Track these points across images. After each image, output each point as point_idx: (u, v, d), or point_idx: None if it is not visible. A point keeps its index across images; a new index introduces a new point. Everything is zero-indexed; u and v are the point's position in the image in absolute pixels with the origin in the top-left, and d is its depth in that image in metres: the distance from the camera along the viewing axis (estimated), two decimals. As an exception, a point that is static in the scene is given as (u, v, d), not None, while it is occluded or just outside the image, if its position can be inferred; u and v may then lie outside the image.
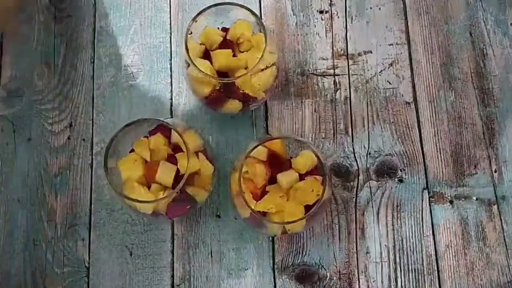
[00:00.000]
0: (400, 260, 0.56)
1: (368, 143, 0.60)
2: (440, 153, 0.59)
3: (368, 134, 0.60)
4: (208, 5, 0.53)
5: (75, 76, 0.64)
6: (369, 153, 0.59)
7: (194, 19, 0.53)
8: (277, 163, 0.52)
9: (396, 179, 0.59)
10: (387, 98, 0.61)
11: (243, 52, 0.55)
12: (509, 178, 0.58)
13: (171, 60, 0.64)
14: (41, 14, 0.67)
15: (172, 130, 0.50)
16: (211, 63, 0.54)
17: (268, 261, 0.56)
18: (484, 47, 0.62)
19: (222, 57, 0.54)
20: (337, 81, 0.62)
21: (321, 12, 0.65)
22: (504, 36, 0.63)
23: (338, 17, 0.64)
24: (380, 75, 0.62)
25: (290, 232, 0.51)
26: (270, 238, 0.57)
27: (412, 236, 0.57)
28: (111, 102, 0.63)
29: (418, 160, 0.59)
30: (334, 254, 0.56)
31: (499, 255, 0.56)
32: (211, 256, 0.57)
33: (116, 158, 0.51)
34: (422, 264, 0.56)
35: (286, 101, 0.62)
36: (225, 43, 0.56)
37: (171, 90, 0.63)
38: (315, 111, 0.61)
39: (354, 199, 0.58)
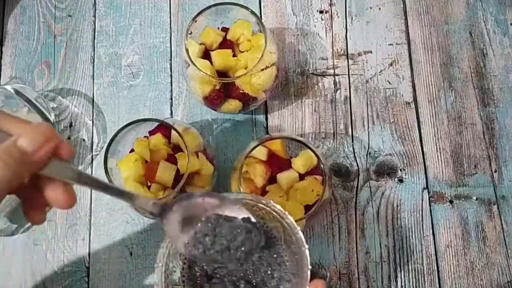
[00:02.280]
0: (400, 260, 0.56)
1: (368, 143, 0.60)
2: (440, 153, 0.59)
3: (368, 134, 0.60)
4: (208, 5, 0.53)
5: (75, 76, 0.64)
6: (369, 153, 0.59)
7: (194, 19, 0.53)
8: (277, 163, 0.52)
9: (396, 179, 0.59)
10: (387, 98, 0.61)
11: (243, 52, 0.55)
12: (509, 178, 0.58)
13: (171, 60, 0.64)
14: (41, 14, 0.67)
15: (172, 130, 0.50)
16: (211, 63, 0.54)
17: (268, 261, 0.56)
18: (484, 47, 0.62)
19: (222, 57, 0.54)
20: (337, 81, 0.62)
21: (321, 12, 0.65)
22: (504, 36, 0.63)
23: (338, 17, 0.64)
24: (380, 75, 0.62)
25: (290, 232, 0.51)
26: (270, 238, 0.57)
27: (412, 236, 0.57)
28: (111, 102, 0.63)
29: (418, 160, 0.59)
30: (334, 254, 0.56)
31: (499, 255, 0.56)
32: (211, 256, 0.57)
33: (116, 158, 0.51)
34: (422, 264, 0.56)
35: (286, 101, 0.62)
36: (225, 43, 0.56)
37: (171, 90, 0.63)
38: (315, 111, 0.61)
39: (354, 199, 0.58)
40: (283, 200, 0.50)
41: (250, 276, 0.39)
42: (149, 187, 0.51)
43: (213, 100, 0.54)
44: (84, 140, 0.62)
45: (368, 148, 0.60)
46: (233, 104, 0.54)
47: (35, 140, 0.31)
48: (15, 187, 0.31)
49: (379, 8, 0.64)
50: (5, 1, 0.67)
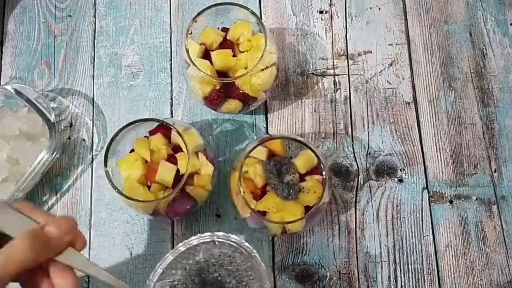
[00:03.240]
0: (400, 260, 0.56)
1: (368, 143, 0.60)
2: (440, 153, 0.59)
3: (368, 134, 0.60)
4: (208, 5, 0.53)
5: (75, 76, 0.64)
6: (369, 153, 0.59)
7: (194, 19, 0.53)
8: (277, 163, 0.52)
9: (396, 179, 0.59)
10: (387, 98, 0.61)
11: (243, 52, 0.55)
12: (508, 178, 0.58)
13: (171, 60, 0.64)
14: (41, 14, 0.67)
15: (172, 130, 0.50)
16: (211, 63, 0.54)
17: (268, 261, 0.56)
18: (484, 47, 0.62)
19: (222, 57, 0.54)
20: (337, 81, 0.62)
21: (321, 12, 0.65)
22: (504, 36, 0.63)
23: (338, 17, 0.64)
24: (380, 75, 0.62)
25: (290, 232, 0.51)
26: (270, 238, 0.57)
27: (412, 236, 0.57)
28: (111, 102, 0.63)
29: (417, 160, 0.59)
30: (334, 254, 0.56)
31: (499, 255, 0.56)
32: (211, 256, 0.57)
33: (116, 158, 0.51)
34: (422, 264, 0.56)
35: (286, 101, 0.62)
36: (225, 43, 0.56)
37: (171, 90, 0.63)
38: (315, 111, 0.61)
39: (354, 199, 0.58)
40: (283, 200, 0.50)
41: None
42: (149, 187, 0.51)
43: (213, 100, 0.54)
44: (84, 140, 0.62)
45: (368, 148, 0.60)
46: (233, 104, 0.54)
47: (61, 229, 0.35)
48: (29, 269, 0.33)
49: (379, 8, 0.64)
50: (5, 1, 0.67)
